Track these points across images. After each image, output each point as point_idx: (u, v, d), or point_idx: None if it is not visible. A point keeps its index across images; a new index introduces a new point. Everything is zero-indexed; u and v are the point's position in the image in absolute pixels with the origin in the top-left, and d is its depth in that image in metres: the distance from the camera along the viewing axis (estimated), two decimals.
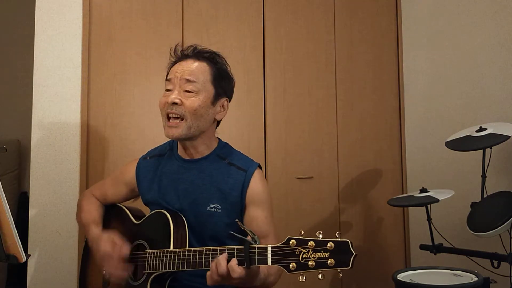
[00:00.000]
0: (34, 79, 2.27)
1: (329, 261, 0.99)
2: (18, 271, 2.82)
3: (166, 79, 1.41)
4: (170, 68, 1.44)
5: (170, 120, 1.36)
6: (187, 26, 2.49)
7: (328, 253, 1.00)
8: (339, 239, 1.01)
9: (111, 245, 1.34)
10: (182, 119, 1.35)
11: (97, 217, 1.53)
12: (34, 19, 2.29)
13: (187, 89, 1.36)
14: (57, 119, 2.28)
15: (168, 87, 1.39)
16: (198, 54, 1.43)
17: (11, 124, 3.16)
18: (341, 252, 1.00)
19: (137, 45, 2.41)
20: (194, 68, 1.38)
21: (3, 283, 2.86)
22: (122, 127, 2.37)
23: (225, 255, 1.12)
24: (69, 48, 2.32)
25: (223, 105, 1.44)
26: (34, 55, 2.28)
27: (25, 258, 1.23)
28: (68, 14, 2.33)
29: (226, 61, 1.46)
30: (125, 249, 1.34)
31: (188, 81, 1.36)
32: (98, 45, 2.37)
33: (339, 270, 1.01)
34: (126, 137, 2.37)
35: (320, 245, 1.01)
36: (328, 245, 1.00)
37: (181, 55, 1.43)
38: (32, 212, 2.23)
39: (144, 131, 2.38)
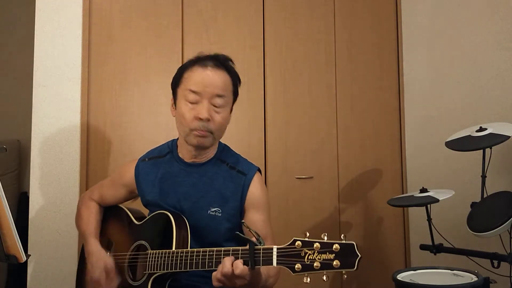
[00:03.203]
0: (34, 79, 2.27)
1: (334, 263, 1.01)
2: (18, 271, 2.82)
3: (191, 90, 1.36)
4: (188, 70, 1.39)
5: (200, 131, 1.36)
6: (187, 26, 2.49)
7: (334, 254, 1.01)
8: (344, 241, 1.03)
9: (105, 274, 1.38)
10: (211, 133, 1.37)
11: (95, 227, 1.55)
12: (34, 19, 2.29)
13: (216, 104, 1.36)
14: (57, 119, 2.28)
15: (194, 100, 1.36)
16: (219, 62, 1.40)
17: (11, 124, 3.16)
18: (346, 254, 1.01)
19: (137, 45, 2.41)
20: (221, 81, 1.37)
21: (3, 283, 2.86)
22: (122, 127, 2.37)
23: (232, 257, 1.13)
24: (69, 48, 2.32)
25: (231, 109, 1.46)
26: (34, 55, 2.28)
27: (25, 258, 1.22)
28: (68, 14, 2.33)
29: (233, 61, 1.46)
30: (115, 283, 1.39)
31: (218, 96, 1.37)
32: (98, 45, 2.37)
33: (343, 272, 1.02)
34: (126, 137, 2.37)
35: (326, 247, 1.03)
36: (334, 247, 1.02)
37: (204, 61, 1.39)
38: (32, 212, 2.23)
39: (144, 131, 2.38)
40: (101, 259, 1.41)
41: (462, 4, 2.46)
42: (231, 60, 1.44)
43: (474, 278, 1.61)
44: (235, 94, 1.45)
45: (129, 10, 2.42)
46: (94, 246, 1.46)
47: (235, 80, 1.44)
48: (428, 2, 2.68)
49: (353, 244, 1.01)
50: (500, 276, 1.73)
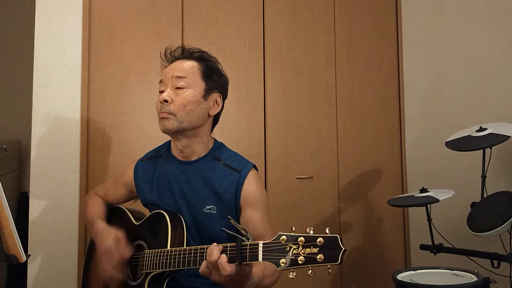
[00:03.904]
0: (34, 79, 2.27)
1: (318, 257, 0.98)
2: (18, 271, 2.82)
3: (159, 82, 1.45)
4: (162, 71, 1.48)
5: (161, 113, 1.39)
6: (187, 26, 2.49)
7: (318, 248, 0.99)
8: (328, 235, 1.00)
9: (116, 242, 1.36)
10: (174, 115, 1.37)
11: (102, 213, 1.58)
12: (34, 19, 2.29)
13: (178, 86, 1.39)
14: (57, 119, 2.28)
15: (161, 89, 1.42)
16: (187, 54, 1.46)
17: (11, 124, 3.16)
18: (330, 247, 0.98)
19: (137, 45, 2.41)
20: (184, 65, 1.42)
21: (3, 283, 2.86)
22: (122, 127, 2.37)
23: (220, 246, 1.11)
24: (69, 48, 2.32)
25: (216, 101, 1.45)
26: (34, 55, 2.28)
27: (25, 258, 1.22)
28: (68, 14, 2.33)
29: (216, 59, 1.49)
30: (128, 251, 1.36)
31: (179, 77, 1.39)
32: (98, 45, 2.37)
33: (328, 266, 0.99)
34: (126, 137, 2.37)
35: (310, 241, 1.00)
36: (318, 240, 0.99)
37: (171, 57, 1.47)
38: (32, 212, 2.23)
39: (144, 131, 2.38)
40: (110, 232, 1.40)
41: (462, 4, 2.46)
42: (207, 53, 1.48)
43: (474, 278, 1.61)
44: (209, 82, 1.42)
45: (129, 10, 2.42)
46: (101, 225, 1.46)
47: (207, 69, 1.44)
48: (428, 2, 2.68)
49: (337, 237, 0.99)
50: (500, 276, 1.73)
